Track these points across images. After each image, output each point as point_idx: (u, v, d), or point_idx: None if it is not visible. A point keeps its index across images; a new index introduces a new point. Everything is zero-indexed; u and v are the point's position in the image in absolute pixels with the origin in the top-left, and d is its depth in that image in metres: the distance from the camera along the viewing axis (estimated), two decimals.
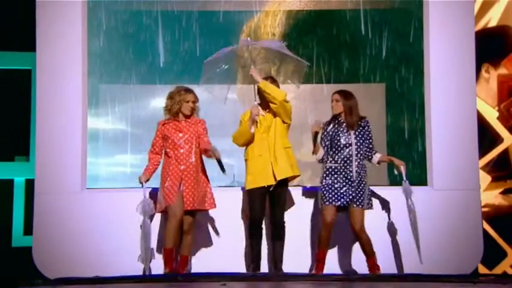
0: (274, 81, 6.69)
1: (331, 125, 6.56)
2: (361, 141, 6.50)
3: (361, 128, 6.53)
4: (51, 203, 6.95)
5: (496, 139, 7.85)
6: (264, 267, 6.64)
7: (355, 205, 6.37)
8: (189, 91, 6.51)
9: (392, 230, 6.94)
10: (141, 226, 6.42)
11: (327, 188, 6.42)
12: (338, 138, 6.49)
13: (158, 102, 7.93)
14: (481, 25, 7.88)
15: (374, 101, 8.05)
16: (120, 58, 7.84)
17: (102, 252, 6.85)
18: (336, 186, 6.40)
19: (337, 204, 6.37)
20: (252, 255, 6.52)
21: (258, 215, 6.50)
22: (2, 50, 8.03)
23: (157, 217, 6.79)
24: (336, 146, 6.49)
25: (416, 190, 7.16)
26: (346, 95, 6.57)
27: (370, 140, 6.58)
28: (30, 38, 7.16)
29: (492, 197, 7.81)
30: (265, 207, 6.55)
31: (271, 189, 6.47)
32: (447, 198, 7.04)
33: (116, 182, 7.67)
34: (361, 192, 6.41)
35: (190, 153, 6.43)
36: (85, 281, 6.25)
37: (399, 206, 6.92)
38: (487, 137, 7.77)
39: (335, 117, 6.57)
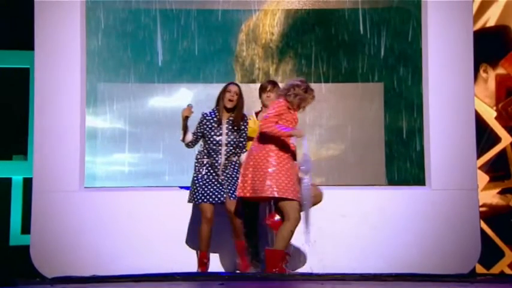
0: (275, 84, 6.71)
1: (209, 118, 6.53)
2: (234, 139, 6.49)
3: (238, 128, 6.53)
4: (49, 202, 6.95)
5: (494, 139, 7.85)
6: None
7: (230, 197, 6.42)
8: None
9: (389, 229, 6.94)
10: (302, 189, 6.10)
11: (200, 184, 6.44)
12: (212, 133, 6.48)
13: (156, 101, 7.94)
14: (479, 25, 7.87)
15: (372, 101, 8.05)
16: (118, 57, 7.83)
17: (99, 251, 6.86)
18: (208, 182, 6.43)
19: (213, 202, 6.43)
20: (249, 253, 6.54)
21: (251, 215, 6.52)
22: (0, 48, 8.01)
23: None
24: (207, 140, 6.49)
25: (414, 190, 7.19)
26: (240, 91, 6.57)
27: (245, 142, 6.57)
28: (28, 37, 7.15)
29: (490, 196, 7.81)
30: (258, 208, 6.56)
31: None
32: (445, 198, 7.05)
33: (113, 181, 7.67)
34: (231, 185, 6.43)
35: None
36: (82, 280, 6.25)
37: (397, 206, 6.94)
38: (485, 137, 7.77)
39: (217, 111, 6.53)
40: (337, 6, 7.97)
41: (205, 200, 6.43)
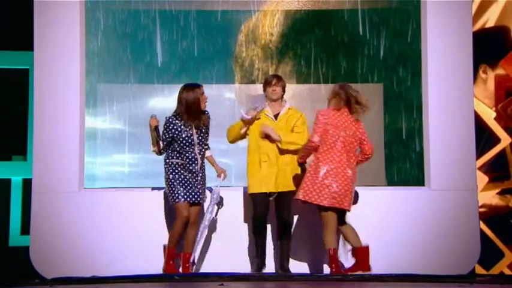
0: (279, 78, 6.68)
1: (176, 122, 6.50)
2: (202, 138, 6.53)
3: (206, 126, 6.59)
4: (49, 203, 6.94)
5: (494, 140, 7.86)
6: (270, 266, 6.66)
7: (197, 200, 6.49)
8: None
9: (389, 230, 6.94)
10: None
11: (169, 185, 6.45)
12: (183, 135, 6.47)
13: (156, 101, 7.94)
14: (478, 25, 7.88)
15: (372, 101, 7.98)
16: (118, 57, 7.83)
17: (99, 252, 6.86)
18: (180, 182, 6.43)
19: (191, 201, 6.43)
20: (256, 252, 6.53)
21: (261, 213, 6.52)
22: (0, 49, 8.01)
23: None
24: (180, 143, 6.48)
25: (414, 190, 7.19)
26: None
27: (208, 137, 6.64)
28: (28, 37, 7.15)
29: (489, 197, 7.82)
30: (268, 206, 6.56)
31: (271, 198, 6.49)
32: (444, 199, 7.05)
33: (113, 182, 7.67)
34: (200, 188, 6.50)
35: None
36: (82, 281, 6.26)
37: (397, 207, 6.94)
38: (484, 138, 7.77)
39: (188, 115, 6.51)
40: (336, 6, 7.97)
41: (181, 199, 6.41)
